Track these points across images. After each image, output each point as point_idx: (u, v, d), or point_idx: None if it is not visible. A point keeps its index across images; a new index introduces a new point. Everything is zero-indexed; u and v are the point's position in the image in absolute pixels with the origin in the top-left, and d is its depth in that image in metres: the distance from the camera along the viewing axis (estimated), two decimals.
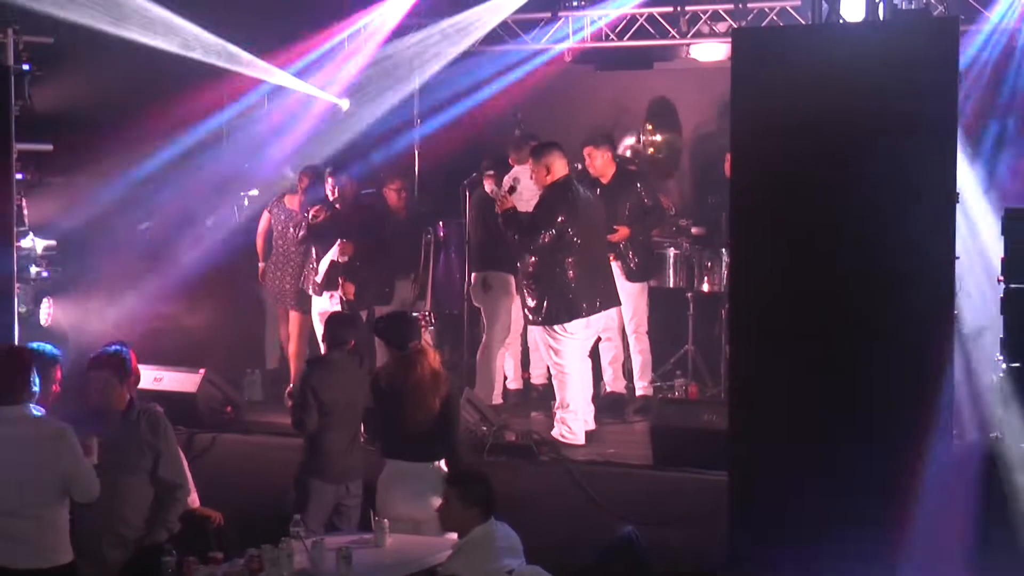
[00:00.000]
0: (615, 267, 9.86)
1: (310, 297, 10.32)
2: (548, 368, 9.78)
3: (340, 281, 10.03)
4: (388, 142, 12.15)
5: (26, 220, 9.51)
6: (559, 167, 9.15)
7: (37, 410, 6.19)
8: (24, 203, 9.47)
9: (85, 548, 6.41)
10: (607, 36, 11.45)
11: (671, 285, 10.60)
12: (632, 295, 10.07)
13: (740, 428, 7.01)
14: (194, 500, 7.46)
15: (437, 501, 6.99)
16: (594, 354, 9.66)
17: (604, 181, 10.11)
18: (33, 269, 9.56)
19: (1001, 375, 7.43)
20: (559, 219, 9.05)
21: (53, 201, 9.90)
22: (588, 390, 9.40)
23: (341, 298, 10.04)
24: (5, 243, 8.84)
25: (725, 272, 10.08)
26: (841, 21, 7.43)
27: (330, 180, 10.21)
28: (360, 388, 7.79)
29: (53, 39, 9.48)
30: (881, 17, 7.38)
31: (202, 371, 9.77)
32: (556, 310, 9.07)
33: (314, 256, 10.26)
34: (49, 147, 9.65)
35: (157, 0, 10.01)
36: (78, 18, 9.47)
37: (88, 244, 10.38)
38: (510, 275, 9.92)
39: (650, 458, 8.60)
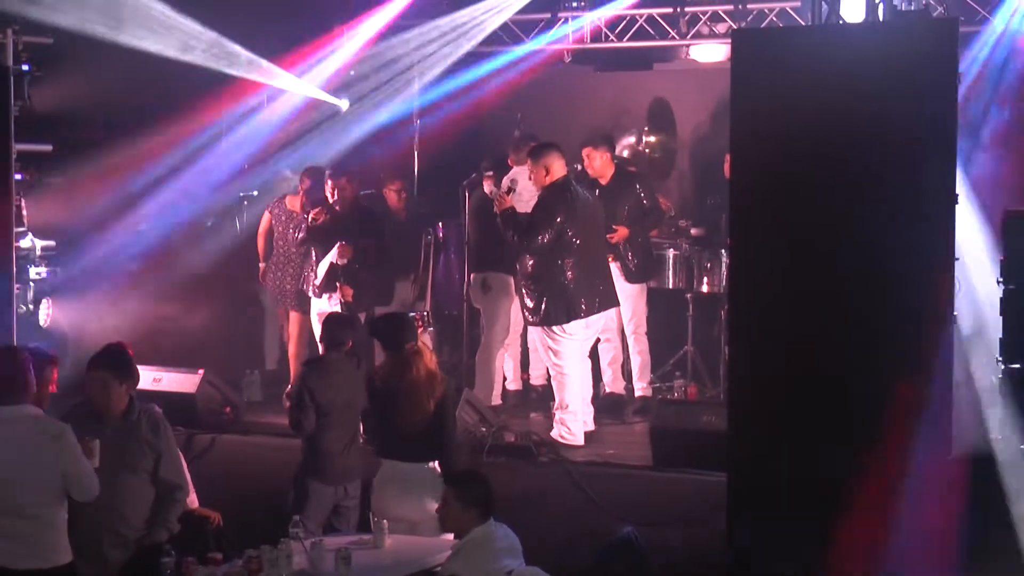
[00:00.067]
0: (614, 268, 9.85)
1: (310, 298, 10.33)
2: (547, 369, 9.78)
3: (338, 284, 10.04)
4: (387, 142, 12.14)
5: (25, 221, 9.50)
6: (558, 168, 9.14)
7: (36, 410, 6.19)
8: (23, 203, 9.47)
9: (85, 548, 6.40)
10: (607, 37, 11.45)
11: (670, 286, 10.60)
12: (631, 296, 10.07)
13: (739, 429, 7.01)
14: (193, 501, 7.47)
15: (431, 502, 7.02)
16: (593, 355, 9.66)
17: (603, 182, 10.10)
18: (32, 270, 9.55)
19: (1000, 377, 7.43)
20: (558, 220, 9.04)
21: (52, 202, 9.89)
22: (587, 391, 9.39)
23: (340, 300, 10.04)
24: (4, 243, 8.84)
25: (724, 273, 10.08)
26: (841, 22, 7.44)
27: (330, 182, 10.21)
28: (358, 389, 7.78)
29: (52, 40, 9.47)
30: (881, 18, 7.39)
31: (201, 372, 9.77)
32: (555, 311, 9.07)
33: (313, 258, 10.26)
34: (48, 147, 9.65)
35: None
36: (78, 24, 9.46)
37: (87, 244, 10.38)
38: (509, 276, 9.91)
39: (649, 459, 8.60)
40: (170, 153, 10.80)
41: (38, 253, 9.63)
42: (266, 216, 11.18)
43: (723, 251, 10.05)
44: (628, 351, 10.22)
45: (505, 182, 9.70)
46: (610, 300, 9.40)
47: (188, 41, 10.42)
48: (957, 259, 6.74)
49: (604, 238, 9.67)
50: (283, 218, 10.95)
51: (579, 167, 10.13)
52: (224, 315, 11.26)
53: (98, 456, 6.32)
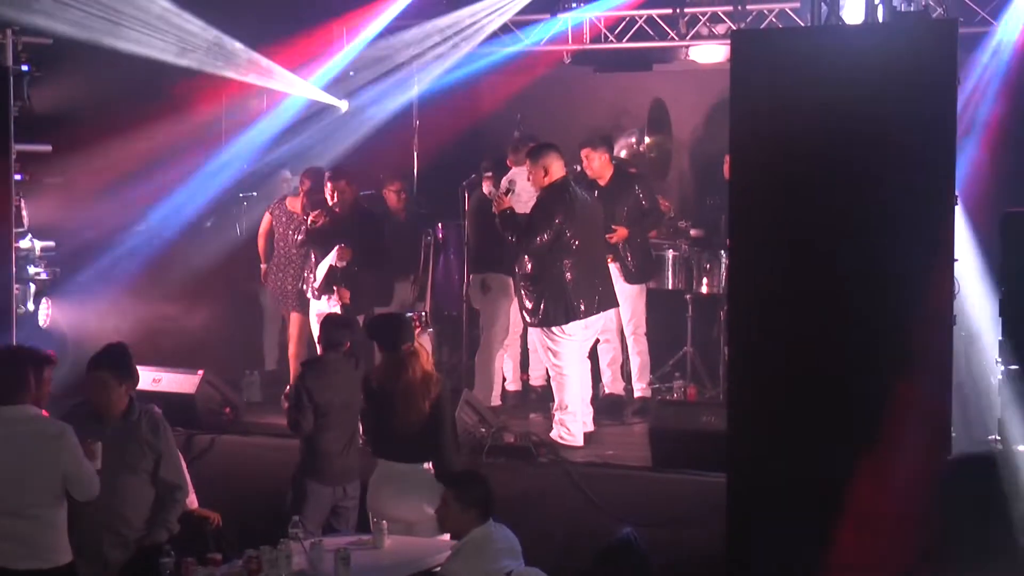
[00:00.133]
0: (614, 269, 9.86)
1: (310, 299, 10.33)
2: (547, 370, 9.78)
3: (335, 288, 10.04)
4: (387, 143, 12.14)
5: (25, 221, 9.50)
6: (556, 168, 9.14)
7: (37, 410, 6.19)
8: (23, 204, 9.47)
9: (85, 548, 6.40)
10: (606, 38, 11.46)
11: (670, 287, 10.60)
12: (631, 297, 10.07)
13: (739, 429, 7.00)
14: (192, 501, 7.47)
15: (427, 502, 7.03)
16: (593, 356, 9.66)
17: (602, 183, 10.10)
18: (32, 270, 9.56)
19: (1000, 378, 7.43)
20: (556, 221, 9.04)
21: (52, 202, 9.89)
22: (587, 392, 9.39)
23: (338, 302, 10.04)
24: (4, 244, 8.84)
25: (724, 274, 10.08)
26: (840, 23, 7.43)
27: (329, 184, 10.21)
28: (356, 390, 7.79)
29: (52, 40, 9.47)
30: (880, 19, 7.38)
31: (201, 372, 9.76)
32: (554, 312, 9.07)
33: (313, 260, 10.26)
34: (48, 148, 9.65)
35: None
36: (76, 30, 9.47)
37: (87, 245, 10.38)
38: (508, 277, 9.90)
39: (649, 460, 8.60)
40: (169, 153, 10.80)
41: (38, 253, 9.64)
42: (267, 217, 11.19)
43: (722, 252, 10.05)
44: (627, 352, 10.22)
45: (504, 183, 9.70)
46: (609, 301, 9.40)
47: (188, 41, 10.41)
48: (957, 260, 6.75)
49: (603, 239, 9.67)
50: (284, 219, 10.97)
51: (578, 168, 10.13)
52: (224, 315, 11.26)
53: (100, 457, 6.32)
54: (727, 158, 8.21)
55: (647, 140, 11.26)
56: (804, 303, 6.78)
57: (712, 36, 11.15)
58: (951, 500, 6.56)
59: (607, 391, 10.16)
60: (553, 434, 9.15)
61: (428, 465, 7.44)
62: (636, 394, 10.18)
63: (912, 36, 6.85)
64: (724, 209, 9.02)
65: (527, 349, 10.26)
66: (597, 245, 9.48)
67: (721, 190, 9.23)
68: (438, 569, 6.62)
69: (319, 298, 10.16)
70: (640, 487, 8.37)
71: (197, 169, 11.19)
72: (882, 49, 6.77)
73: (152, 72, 10.28)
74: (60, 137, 9.78)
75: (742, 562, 6.92)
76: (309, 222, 10.23)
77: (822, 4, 7.41)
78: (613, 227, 9.87)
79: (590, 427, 9.36)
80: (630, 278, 10.07)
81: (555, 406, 9.26)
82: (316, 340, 8.93)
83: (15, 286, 9.04)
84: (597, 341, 9.72)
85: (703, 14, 11.04)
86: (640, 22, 11.27)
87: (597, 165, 10.10)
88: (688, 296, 10.54)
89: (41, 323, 9.57)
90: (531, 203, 9.29)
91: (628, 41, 11.41)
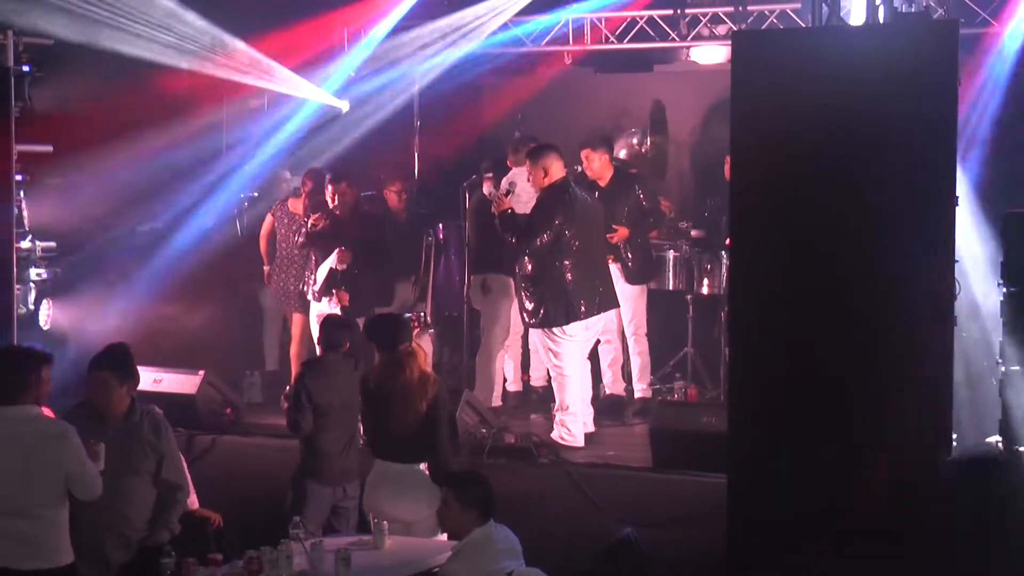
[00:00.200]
0: (614, 269, 9.86)
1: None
2: (548, 370, 9.78)
3: (334, 290, 10.04)
4: (388, 144, 12.14)
5: (26, 221, 9.51)
6: (556, 169, 9.14)
7: (40, 410, 6.19)
8: (24, 204, 9.47)
9: (87, 549, 6.40)
10: (607, 38, 11.45)
11: (671, 287, 10.60)
12: (632, 297, 10.07)
13: (739, 430, 7.00)
14: (193, 502, 7.47)
15: (423, 502, 7.04)
16: (593, 356, 9.66)
17: (602, 184, 10.10)
18: (32, 270, 9.56)
19: (1000, 378, 7.44)
20: (556, 221, 9.04)
21: (53, 202, 9.89)
22: (587, 392, 9.39)
23: (338, 304, 10.04)
24: (4, 244, 8.84)
25: (724, 275, 10.08)
26: (841, 24, 7.43)
27: (330, 187, 10.20)
28: (355, 390, 7.79)
29: (53, 40, 9.47)
30: (881, 20, 7.38)
31: (201, 373, 9.77)
32: (554, 313, 9.07)
33: (313, 262, 10.26)
34: (49, 148, 9.65)
35: None
36: (76, 31, 9.47)
37: (87, 245, 10.38)
38: (509, 278, 9.89)
39: (649, 460, 8.59)
40: (170, 154, 10.80)
41: (38, 254, 9.63)
42: (268, 218, 11.21)
43: (723, 253, 10.05)
44: (628, 352, 10.22)
45: (504, 184, 9.70)
46: (610, 301, 9.40)
47: (188, 41, 10.41)
48: (957, 261, 6.75)
49: (603, 240, 9.67)
50: (285, 220, 10.99)
51: (579, 169, 10.13)
52: (224, 316, 11.26)
53: (103, 458, 6.32)
54: (728, 159, 8.21)
55: (649, 141, 11.26)
56: (804, 303, 6.78)
57: (713, 37, 11.15)
58: (952, 501, 6.58)
59: (608, 392, 10.16)
60: (554, 435, 9.15)
61: (423, 466, 7.44)
62: (637, 395, 10.18)
63: (913, 37, 6.85)
64: (725, 210, 9.01)
65: (528, 350, 10.26)
66: (597, 246, 9.48)
67: (722, 191, 9.23)
68: (438, 570, 6.61)
69: (319, 300, 10.16)
70: (641, 488, 8.37)
71: (197, 169, 11.18)
72: (883, 50, 6.77)
73: (152, 72, 10.28)
74: (61, 137, 9.78)
75: (742, 562, 6.92)
76: (309, 225, 10.23)
77: (823, 5, 7.41)
78: (614, 227, 9.87)
79: (591, 428, 9.36)
80: (631, 279, 10.07)
81: (556, 407, 9.26)
82: (316, 341, 8.95)
83: (16, 287, 9.03)
84: (598, 342, 9.72)
85: (704, 15, 11.03)
86: (641, 23, 11.26)
87: (597, 166, 10.10)
88: (689, 297, 10.54)
89: (42, 323, 9.57)
90: (531, 204, 9.29)
91: (629, 42, 11.40)
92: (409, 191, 11.51)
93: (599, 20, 11.38)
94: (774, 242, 6.88)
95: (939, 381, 6.61)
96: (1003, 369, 7.38)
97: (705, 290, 10.48)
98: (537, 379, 10.49)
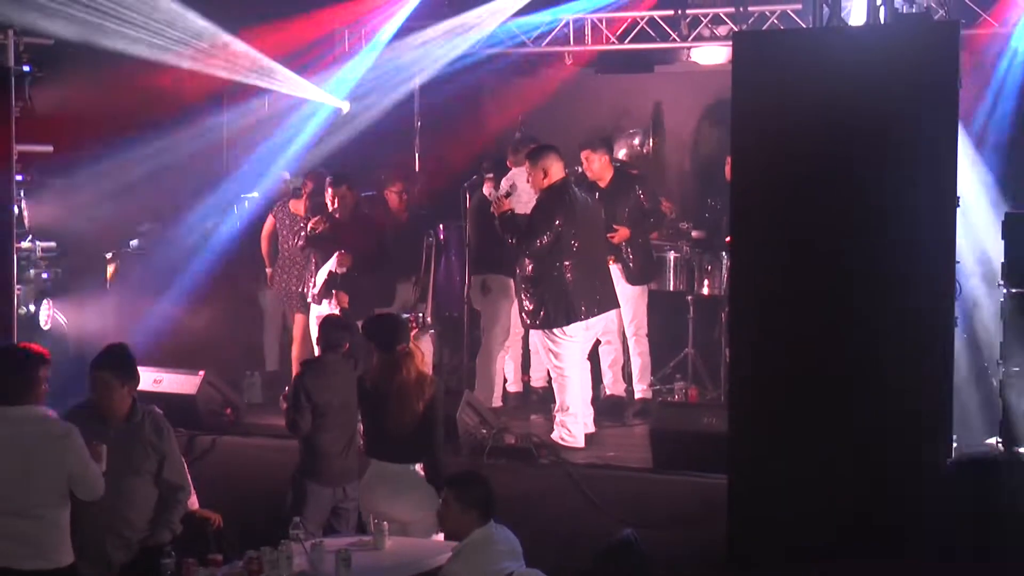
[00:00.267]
0: (615, 270, 9.86)
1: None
2: (548, 371, 9.78)
3: (333, 292, 10.04)
4: (388, 144, 12.14)
5: (26, 222, 9.52)
6: (556, 170, 9.13)
7: (42, 410, 6.19)
8: (24, 204, 9.47)
9: (88, 549, 6.40)
10: (608, 39, 11.45)
11: (671, 288, 10.60)
12: (632, 298, 10.07)
13: (740, 431, 7.00)
14: (193, 502, 7.46)
15: (419, 503, 7.03)
16: (594, 357, 9.66)
17: (602, 184, 10.09)
18: (33, 271, 9.56)
19: (1001, 378, 7.44)
20: (556, 222, 9.04)
21: (53, 203, 9.90)
22: (588, 393, 9.39)
23: (338, 306, 10.03)
24: (5, 244, 8.84)
25: (725, 275, 10.08)
26: (842, 25, 7.43)
27: (330, 190, 10.20)
28: (354, 391, 7.78)
29: (53, 40, 9.48)
30: (882, 20, 7.38)
31: (202, 373, 9.76)
32: (554, 313, 9.06)
33: (313, 265, 10.26)
34: (49, 148, 9.66)
35: None
36: (77, 31, 9.48)
37: (87, 246, 10.38)
38: (509, 278, 9.89)
39: (650, 461, 8.59)
40: (170, 154, 10.81)
41: (39, 254, 9.64)
42: (269, 219, 11.21)
43: (723, 253, 10.05)
44: (628, 353, 10.22)
45: (504, 184, 9.70)
46: (610, 302, 9.40)
47: (189, 41, 10.42)
48: (957, 262, 6.75)
49: (603, 240, 9.66)
50: (287, 222, 11.00)
51: (579, 169, 10.13)
52: (225, 316, 11.25)
53: (105, 460, 6.32)
54: (728, 159, 8.21)
55: (651, 142, 11.27)
56: (804, 303, 6.79)
57: (714, 37, 11.15)
58: (952, 501, 6.57)
59: (608, 392, 10.15)
60: (554, 435, 9.14)
61: (419, 466, 7.43)
62: (637, 395, 10.18)
63: (914, 37, 6.86)
64: (725, 211, 9.01)
65: (528, 350, 10.26)
66: (597, 246, 9.48)
67: (722, 191, 9.23)
68: (439, 570, 6.60)
69: (319, 303, 10.15)
70: (641, 488, 8.36)
71: (198, 169, 11.19)
72: (884, 50, 6.78)
73: (153, 72, 10.28)
74: (61, 137, 9.79)
75: (742, 562, 6.92)
76: (309, 228, 10.23)
77: (824, 5, 7.41)
78: (615, 227, 9.87)
79: (591, 428, 9.35)
80: (631, 279, 10.07)
81: (556, 407, 9.26)
82: (315, 342, 8.95)
83: (16, 287, 9.03)
84: (598, 342, 9.72)
85: (704, 15, 11.04)
86: (642, 23, 11.27)
87: (597, 167, 10.10)
88: (689, 297, 10.53)
89: (42, 324, 9.57)
90: (531, 204, 9.29)
91: (630, 42, 11.41)
92: (409, 192, 11.50)
93: (600, 21, 11.39)
94: (774, 242, 6.88)
95: (939, 381, 6.61)
96: (1003, 369, 7.38)
97: (706, 291, 10.48)
98: (537, 380, 10.49)
